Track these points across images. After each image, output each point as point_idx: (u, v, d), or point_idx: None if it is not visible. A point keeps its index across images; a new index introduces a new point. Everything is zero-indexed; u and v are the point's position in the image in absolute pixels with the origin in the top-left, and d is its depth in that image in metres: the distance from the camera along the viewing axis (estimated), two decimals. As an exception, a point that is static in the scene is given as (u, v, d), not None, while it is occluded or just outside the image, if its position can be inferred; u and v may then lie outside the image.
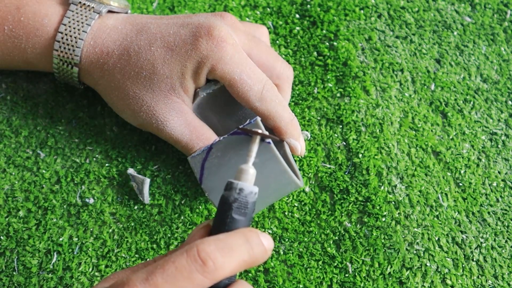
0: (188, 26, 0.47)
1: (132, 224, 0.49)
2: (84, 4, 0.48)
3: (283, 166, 0.43)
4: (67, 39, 0.48)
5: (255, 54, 0.48)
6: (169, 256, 0.34)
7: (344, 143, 0.53)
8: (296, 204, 0.50)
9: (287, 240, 0.49)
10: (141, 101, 0.47)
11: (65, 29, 0.48)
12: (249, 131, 0.41)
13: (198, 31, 0.46)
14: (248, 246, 0.35)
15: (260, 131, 0.41)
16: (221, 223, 0.37)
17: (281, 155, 0.47)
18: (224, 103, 0.49)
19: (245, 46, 0.48)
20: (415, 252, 0.49)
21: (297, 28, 0.58)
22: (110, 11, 0.49)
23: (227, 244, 0.35)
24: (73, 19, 0.48)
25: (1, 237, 0.48)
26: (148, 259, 0.48)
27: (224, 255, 0.34)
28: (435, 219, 0.50)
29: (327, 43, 0.57)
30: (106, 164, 0.51)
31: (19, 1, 0.48)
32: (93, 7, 0.48)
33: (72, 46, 0.48)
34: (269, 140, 0.43)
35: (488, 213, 0.51)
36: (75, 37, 0.47)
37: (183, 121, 0.47)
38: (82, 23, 0.48)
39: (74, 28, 0.48)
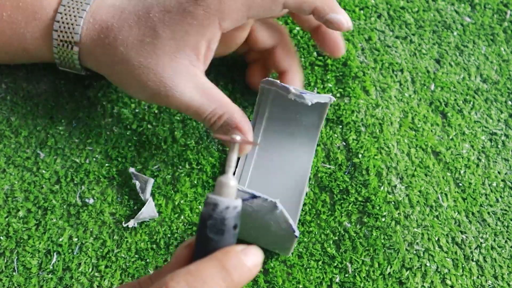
0: None
1: (132, 224, 0.49)
2: None
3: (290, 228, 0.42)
4: (66, 19, 0.47)
5: None
6: None
7: (344, 143, 0.53)
8: (296, 204, 0.50)
9: (287, 240, 0.49)
10: (147, 69, 0.46)
11: (64, 9, 0.47)
12: (226, 138, 0.35)
13: None
14: (224, 274, 0.32)
15: (238, 138, 0.34)
16: (198, 244, 0.34)
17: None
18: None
19: None
20: (415, 252, 0.49)
21: (297, 28, 0.58)
22: None
23: (198, 278, 0.32)
24: (72, 0, 0.48)
25: (1, 237, 0.48)
26: (148, 260, 0.48)
27: None
28: (435, 219, 0.50)
29: (327, 43, 0.57)
30: (106, 164, 0.51)
31: None
32: None
33: (72, 24, 0.47)
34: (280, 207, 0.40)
35: (488, 213, 0.51)
36: (75, 16, 0.47)
37: (192, 84, 0.46)
38: (81, 2, 0.48)
39: (73, 8, 0.47)
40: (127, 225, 0.48)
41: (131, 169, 0.50)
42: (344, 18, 0.46)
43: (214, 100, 0.46)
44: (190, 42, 0.45)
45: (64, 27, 0.47)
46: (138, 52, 0.46)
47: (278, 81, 0.46)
